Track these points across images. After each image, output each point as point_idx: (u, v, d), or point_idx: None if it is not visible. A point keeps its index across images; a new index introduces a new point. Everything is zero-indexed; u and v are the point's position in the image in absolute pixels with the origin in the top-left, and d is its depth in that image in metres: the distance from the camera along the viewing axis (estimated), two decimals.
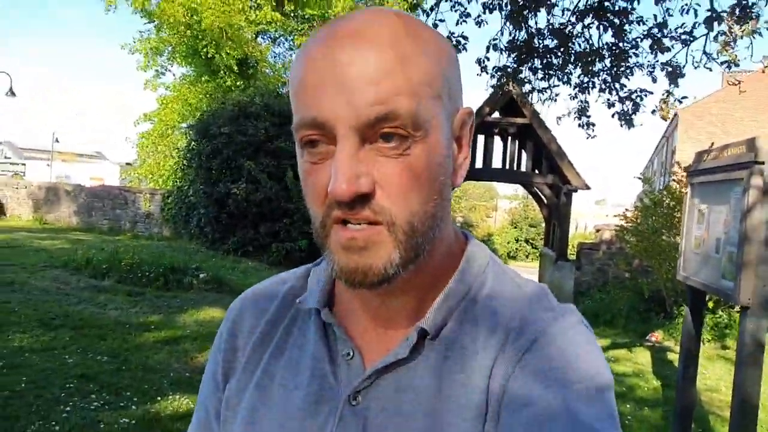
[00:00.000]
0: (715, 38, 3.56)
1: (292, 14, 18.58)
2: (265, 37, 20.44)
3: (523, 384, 0.51)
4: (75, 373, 4.14)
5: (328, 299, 0.61)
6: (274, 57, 20.53)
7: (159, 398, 3.92)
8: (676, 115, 29.82)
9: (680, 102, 4.24)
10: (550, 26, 5.01)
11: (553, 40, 5.06)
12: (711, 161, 3.92)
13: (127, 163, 43.25)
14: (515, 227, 32.19)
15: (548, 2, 4.74)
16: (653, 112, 4.24)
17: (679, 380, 4.19)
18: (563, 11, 4.90)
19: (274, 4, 17.44)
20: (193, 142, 11.27)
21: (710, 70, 3.70)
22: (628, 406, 4.79)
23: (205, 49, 16.93)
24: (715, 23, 3.44)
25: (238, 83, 17.48)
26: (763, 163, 3.21)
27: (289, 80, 0.54)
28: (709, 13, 3.41)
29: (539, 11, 4.90)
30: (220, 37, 16.16)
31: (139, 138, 20.91)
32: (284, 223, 10.18)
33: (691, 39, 3.81)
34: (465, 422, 0.52)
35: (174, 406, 3.82)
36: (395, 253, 0.50)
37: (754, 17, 3.49)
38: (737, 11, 3.48)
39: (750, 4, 3.51)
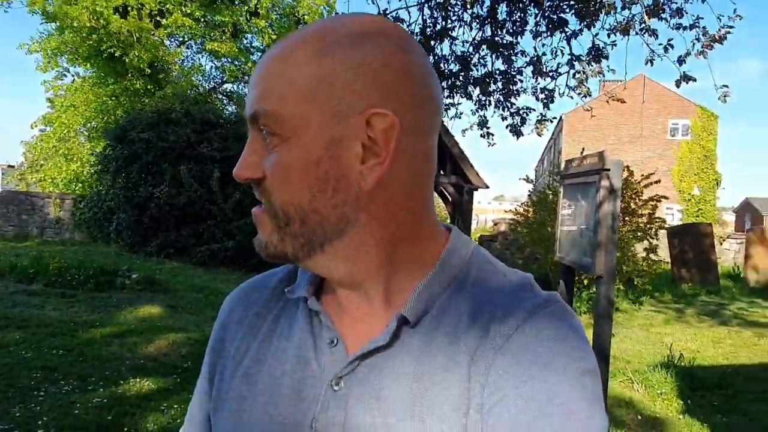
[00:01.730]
0: (574, 76, 4.68)
1: (201, 19, 18.60)
2: (173, 40, 20.24)
3: (506, 370, 0.52)
4: (37, 365, 4.49)
5: (316, 289, 0.63)
6: (183, 61, 20.39)
7: (122, 382, 4.38)
8: (561, 119, 32.87)
9: (551, 122, 5.37)
10: (453, 53, 5.97)
11: (456, 65, 6.02)
12: (575, 168, 5.05)
13: (10, 166, 40.00)
14: None
15: (450, 35, 5.68)
16: (531, 131, 5.33)
17: None
18: (463, 43, 5.87)
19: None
20: (109, 148, 11.27)
21: (571, 98, 4.83)
22: None
23: (110, 50, 16.59)
24: (575, 63, 4.55)
25: (148, 86, 17.27)
26: (609, 170, 4.31)
27: None
28: (569, 57, 4.52)
29: (443, 41, 5.83)
30: (129, 41, 15.94)
31: (37, 141, 19.90)
32: (208, 224, 10.55)
33: (558, 74, 4.92)
34: (447, 408, 0.53)
35: (137, 387, 4.31)
36: (275, 235, 0.56)
37: (603, 58, 4.64)
38: (592, 53, 4.61)
39: (601, 48, 4.65)
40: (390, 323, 0.57)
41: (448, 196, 13.59)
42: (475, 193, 12.45)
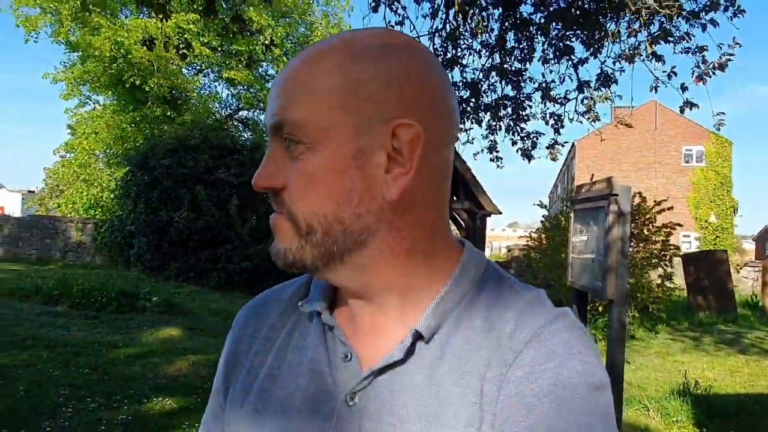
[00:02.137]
0: (582, 101, 4.85)
1: (219, 48, 19.18)
2: (191, 68, 20.85)
3: (517, 384, 0.52)
4: (64, 383, 4.64)
5: (329, 303, 0.63)
6: (201, 89, 20.98)
7: (145, 400, 4.51)
8: (573, 145, 33.00)
9: (562, 146, 5.53)
10: (464, 80, 6.17)
11: (466, 92, 6.22)
12: (585, 193, 5.17)
13: (30, 191, 40.94)
14: None
15: (460, 62, 5.89)
16: (546, 156, 5.49)
17: None
18: (473, 70, 6.08)
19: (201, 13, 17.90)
20: (130, 174, 11.60)
21: (581, 122, 5.00)
22: None
23: (131, 79, 17.13)
24: (584, 89, 4.73)
25: (167, 113, 17.77)
26: (617, 195, 4.43)
27: None
28: (578, 83, 4.70)
29: (454, 68, 6.04)
30: (149, 69, 16.49)
31: (59, 167, 20.43)
32: (225, 249, 10.75)
33: (567, 100, 5.10)
34: (459, 423, 0.53)
35: (160, 405, 4.43)
36: (296, 242, 0.56)
37: (611, 83, 4.82)
38: (601, 79, 4.78)
39: (610, 74, 4.83)
40: (405, 339, 0.56)
41: (461, 222, 13.70)
42: (488, 219, 12.55)
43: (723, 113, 4.17)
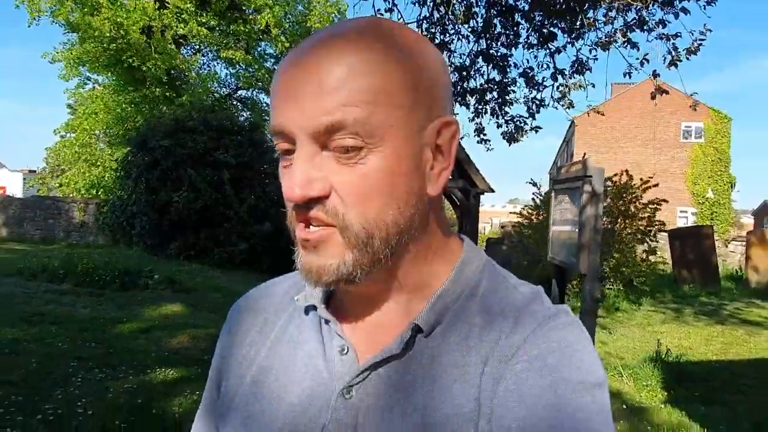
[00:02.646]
0: (557, 88, 5.09)
1: (216, 28, 19.20)
2: (189, 48, 20.88)
3: (515, 380, 0.52)
4: (72, 356, 4.97)
5: (325, 297, 0.62)
6: (199, 68, 21.03)
7: (149, 371, 4.84)
8: (572, 123, 33.03)
9: (536, 131, 5.79)
10: (452, 65, 6.37)
11: (455, 75, 6.42)
12: (564, 174, 5.43)
13: (31, 171, 41.10)
14: None
15: (449, 47, 6.09)
16: (508, 138, 5.74)
17: None
18: (461, 55, 6.28)
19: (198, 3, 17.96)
20: (130, 154, 11.85)
21: (556, 108, 5.24)
22: None
23: (129, 60, 17.25)
24: (559, 77, 4.97)
25: (166, 93, 17.91)
26: (591, 176, 4.69)
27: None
28: (553, 71, 4.93)
29: (442, 53, 6.24)
30: (147, 51, 16.60)
31: (60, 147, 20.64)
32: (224, 227, 11.05)
33: (544, 87, 5.34)
34: (457, 418, 0.53)
35: (162, 375, 4.76)
36: (348, 255, 0.52)
37: (585, 70, 5.05)
38: (575, 66, 5.01)
39: (584, 61, 5.05)
40: (404, 332, 0.56)
41: (456, 200, 13.98)
42: (490, 196, 12.82)
43: (696, 93, 4.41)
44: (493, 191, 12.26)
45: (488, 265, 0.62)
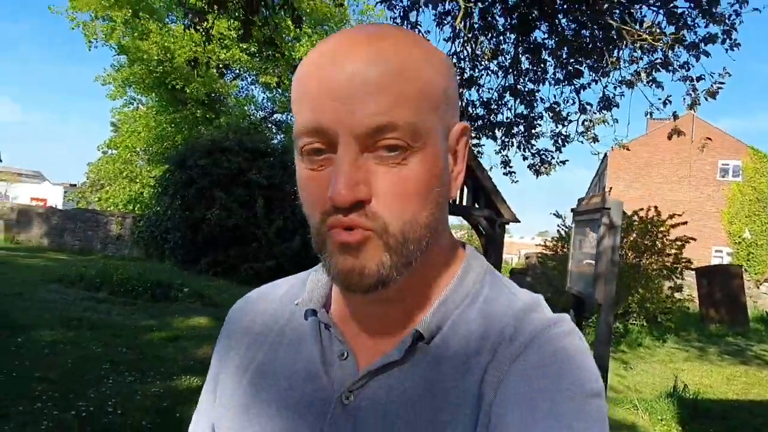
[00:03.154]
0: (582, 123, 5.26)
1: (256, 55, 19.98)
2: (229, 73, 21.74)
3: (513, 388, 0.52)
4: (105, 359, 5.25)
5: (325, 302, 0.62)
6: (238, 92, 21.85)
7: (175, 377, 5.08)
8: (606, 155, 32.85)
9: (562, 165, 5.94)
10: (480, 98, 6.59)
11: (482, 110, 6.64)
12: (584, 206, 5.55)
13: (72, 185, 42.68)
14: None
15: (477, 83, 6.33)
16: (534, 171, 5.89)
17: None
18: (489, 89, 6.51)
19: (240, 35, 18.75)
20: (168, 172, 12.38)
21: (581, 143, 5.40)
22: None
23: (173, 82, 18.06)
24: (586, 110, 5.16)
25: (206, 115, 18.65)
26: (609, 209, 4.81)
27: (293, 85, 0.55)
28: (579, 105, 5.14)
29: (471, 89, 6.47)
30: (191, 74, 17.38)
31: (102, 163, 21.54)
32: (252, 246, 11.39)
33: (569, 121, 5.52)
34: (457, 425, 0.53)
35: (188, 383, 4.99)
36: (386, 257, 0.52)
37: (613, 106, 5.22)
38: (602, 103, 5.19)
39: (611, 98, 5.22)
40: (405, 338, 0.56)
41: (481, 229, 14.06)
42: (519, 228, 12.90)
43: (709, 139, 4.52)
44: (518, 221, 12.30)
45: (489, 273, 0.62)
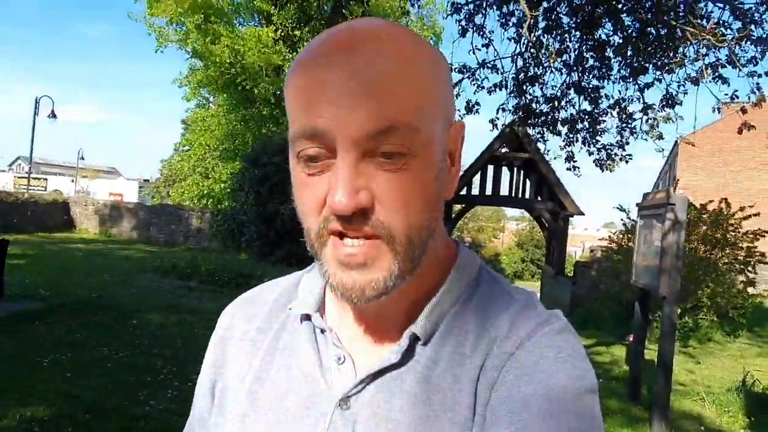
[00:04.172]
0: (647, 121, 5.42)
1: None
2: None
3: (508, 387, 0.52)
4: (206, 340, 5.91)
5: (318, 306, 0.62)
6: None
7: None
8: (676, 143, 31.59)
9: (627, 161, 6.10)
10: (544, 95, 6.82)
11: (547, 106, 6.86)
12: (649, 201, 5.71)
13: (145, 180, 45.25)
14: (521, 248, 33.75)
15: (540, 80, 6.57)
16: (599, 166, 6.09)
17: (633, 354, 5.96)
18: (553, 87, 6.73)
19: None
20: (244, 169, 13.21)
21: (645, 140, 5.56)
22: (601, 380, 6.48)
23: (243, 83, 19.02)
24: (649, 111, 5.31)
25: (273, 113, 19.54)
26: (674, 204, 4.98)
27: (286, 87, 0.53)
28: (643, 105, 5.31)
29: (535, 85, 6.72)
30: (259, 74, 18.25)
31: (177, 160, 22.93)
32: None
33: (633, 120, 5.68)
34: (455, 426, 0.53)
35: None
36: (395, 266, 0.51)
37: (676, 104, 5.35)
38: (665, 101, 5.34)
39: (674, 95, 5.36)
40: (402, 341, 0.56)
41: (545, 222, 14.14)
42: (583, 220, 12.93)
43: (753, 126, 4.61)
44: (582, 214, 12.36)
45: (483, 270, 0.62)
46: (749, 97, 4.81)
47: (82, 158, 45.15)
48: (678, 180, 14.40)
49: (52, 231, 15.85)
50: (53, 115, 21.72)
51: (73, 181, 39.16)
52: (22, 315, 5.84)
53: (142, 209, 16.78)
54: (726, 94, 5.07)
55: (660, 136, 5.39)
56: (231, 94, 20.63)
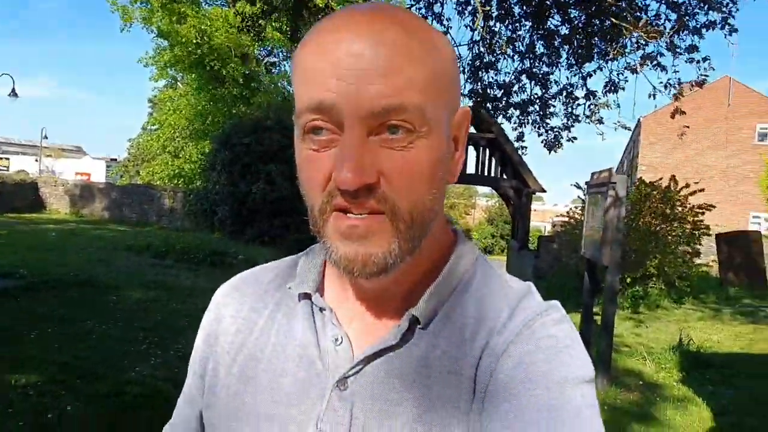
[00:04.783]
0: (589, 107, 5.92)
1: (288, 33, 20.67)
2: (263, 50, 22.50)
3: (506, 375, 0.53)
4: (184, 314, 6.24)
5: (318, 285, 0.62)
6: (272, 69, 22.62)
7: None
8: (639, 122, 32.52)
9: (572, 142, 6.62)
10: (497, 81, 7.24)
11: (500, 91, 7.30)
12: (595, 180, 6.22)
13: (112, 159, 44.44)
14: (491, 224, 34.58)
15: (495, 67, 6.98)
16: (548, 147, 6.60)
17: (584, 320, 6.52)
18: (506, 73, 7.16)
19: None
20: (214, 150, 13.39)
21: (588, 123, 6.07)
22: None
23: (211, 63, 18.93)
24: (591, 97, 5.82)
25: (243, 93, 19.55)
26: (615, 183, 5.47)
27: (293, 65, 0.54)
28: (586, 91, 5.80)
29: (489, 71, 7.12)
30: (228, 54, 18.21)
31: (146, 139, 22.76)
32: (294, 218, 12.35)
33: (577, 104, 6.18)
34: (452, 410, 0.53)
35: None
36: (395, 243, 0.52)
37: (618, 89, 5.86)
38: (608, 86, 5.83)
39: (616, 82, 5.85)
40: (401, 323, 0.56)
41: (510, 199, 14.72)
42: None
43: (687, 126, 5.14)
44: (544, 191, 12.94)
45: (480, 260, 0.63)
46: (692, 84, 5.31)
47: (46, 137, 43.80)
48: (612, 168, 15.20)
49: (21, 212, 15.77)
50: (14, 93, 21.27)
51: (37, 160, 38.20)
52: (4, 291, 6.06)
53: (114, 189, 16.82)
54: (660, 82, 5.59)
55: (600, 121, 5.90)
56: (199, 73, 20.48)
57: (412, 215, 0.52)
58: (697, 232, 10.16)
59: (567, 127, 6.55)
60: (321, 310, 0.61)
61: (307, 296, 0.62)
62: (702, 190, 10.09)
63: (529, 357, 0.53)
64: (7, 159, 39.52)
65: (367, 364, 0.57)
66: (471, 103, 7.41)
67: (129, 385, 4.05)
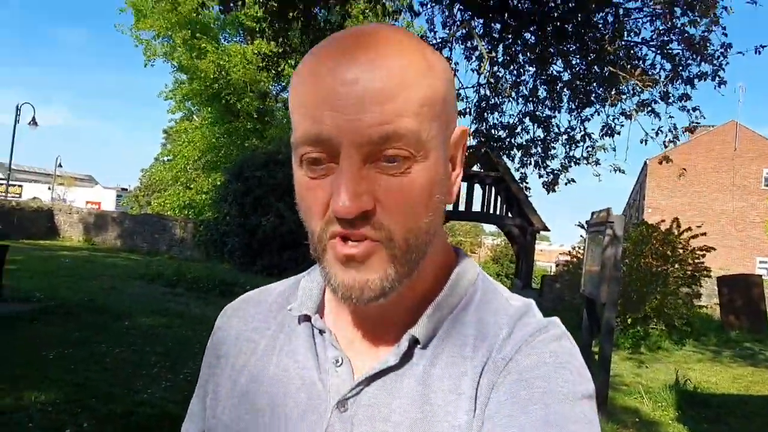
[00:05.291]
0: (586, 149, 6.22)
1: None
2: (277, 86, 23.23)
3: (506, 391, 0.53)
4: (195, 341, 6.44)
5: (318, 307, 0.62)
6: (285, 104, 23.30)
7: None
8: (645, 164, 32.83)
9: (569, 183, 6.90)
10: (501, 123, 7.56)
11: (504, 132, 7.60)
12: (594, 219, 6.46)
13: (123, 189, 45.10)
14: (497, 263, 34.69)
15: (499, 109, 7.31)
16: (546, 188, 6.88)
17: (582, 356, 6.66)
18: (510, 115, 7.48)
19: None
20: (227, 182, 13.78)
21: (587, 165, 6.35)
22: None
23: (228, 97, 19.61)
24: (587, 139, 6.12)
25: (256, 126, 20.15)
26: (612, 222, 5.71)
27: (290, 90, 0.54)
28: (582, 134, 6.11)
29: (494, 113, 7.46)
30: (244, 89, 18.87)
31: (158, 170, 23.29)
32: (302, 251, 12.63)
33: (576, 146, 6.48)
34: (452, 429, 0.53)
35: None
36: (391, 268, 0.52)
37: (614, 134, 6.16)
38: (604, 130, 6.14)
39: (613, 126, 6.16)
40: (401, 343, 0.56)
41: (515, 237, 14.95)
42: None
43: (684, 170, 5.40)
44: (548, 230, 13.17)
45: (481, 277, 0.63)
46: (663, 133, 5.62)
47: (60, 165, 44.61)
48: (610, 208, 15.50)
49: (36, 238, 16.15)
50: (34, 122, 21.93)
51: (50, 188, 38.73)
52: (22, 315, 6.32)
53: (127, 218, 17.21)
54: (653, 129, 5.90)
55: (597, 162, 6.18)
56: (215, 107, 21.19)
57: (407, 241, 0.52)
58: (697, 274, 10.31)
59: (565, 168, 6.83)
60: (321, 332, 0.61)
61: (307, 318, 0.62)
62: (704, 234, 10.28)
63: (529, 373, 0.53)
64: (20, 186, 40.14)
65: (367, 385, 0.57)
66: (476, 143, 7.72)
67: (141, 406, 4.25)
